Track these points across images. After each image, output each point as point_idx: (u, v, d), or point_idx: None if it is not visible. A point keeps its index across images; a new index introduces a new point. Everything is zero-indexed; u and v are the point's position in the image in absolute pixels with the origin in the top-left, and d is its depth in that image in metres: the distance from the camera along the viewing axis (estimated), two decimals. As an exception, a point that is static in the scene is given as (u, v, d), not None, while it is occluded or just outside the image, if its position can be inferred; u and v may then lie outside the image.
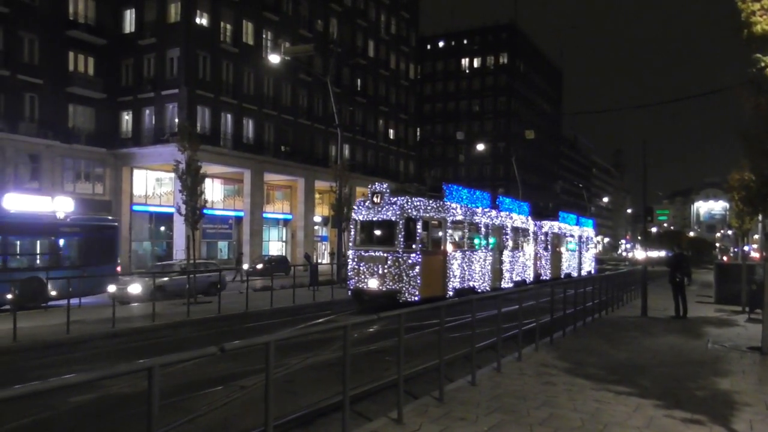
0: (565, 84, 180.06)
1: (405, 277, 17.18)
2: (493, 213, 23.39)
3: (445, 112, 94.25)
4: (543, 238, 29.45)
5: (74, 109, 36.29)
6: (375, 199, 18.14)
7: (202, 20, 37.95)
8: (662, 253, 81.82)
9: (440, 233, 19.19)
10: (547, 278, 28.96)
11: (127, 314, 15.44)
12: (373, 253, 17.78)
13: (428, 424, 6.30)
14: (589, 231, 40.33)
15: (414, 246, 17.57)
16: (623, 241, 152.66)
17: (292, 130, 44.95)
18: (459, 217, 20.42)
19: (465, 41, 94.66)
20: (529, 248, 26.73)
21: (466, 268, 20.47)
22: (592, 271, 38.80)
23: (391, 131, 58.54)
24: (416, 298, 17.15)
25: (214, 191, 40.70)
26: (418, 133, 71.31)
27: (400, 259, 17.25)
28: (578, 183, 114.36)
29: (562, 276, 31.58)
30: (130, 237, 38.24)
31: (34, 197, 32.59)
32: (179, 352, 5.15)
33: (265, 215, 43.30)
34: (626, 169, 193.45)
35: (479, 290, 21.08)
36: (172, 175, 26.76)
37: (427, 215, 18.32)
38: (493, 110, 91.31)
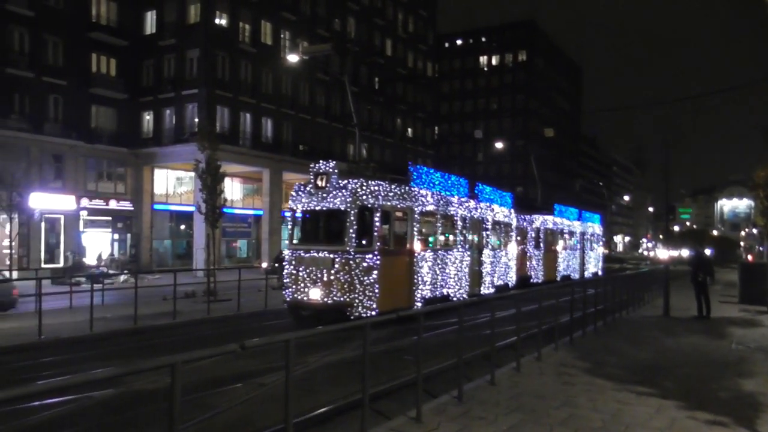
0: (585, 80, 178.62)
1: (358, 286, 13.29)
2: (472, 203, 19.23)
3: (462, 110, 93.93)
4: (533, 235, 25.94)
5: (97, 109, 36.79)
6: (319, 182, 14.20)
7: (221, 21, 38.24)
8: (684, 252, 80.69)
9: (406, 227, 15.31)
10: (539, 281, 25.81)
11: (149, 312, 15.61)
12: (315, 254, 13.76)
13: (447, 423, 6.29)
14: (594, 227, 36.47)
15: (370, 244, 13.73)
16: (644, 240, 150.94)
17: (310, 129, 45.11)
18: (430, 207, 16.28)
19: (483, 39, 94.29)
20: (512, 246, 22.83)
21: (438, 272, 16.47)
22: (599, 273, 35.58)
23: (409, 130, 58.49)
24: (373, 313, 13.38)
25: (233, 190, 41.00)
26: (436, 132, 71.16)
27: (351, 262, 13.30)
28: (598, 181, 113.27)
29: (559, 278, 28.10)
30: (151, 235, 38.71)
31: (58, 196, 33.22)
32: (200, 349, 5.21)
33: (284, 214, 43.52)
34: (648, 166, 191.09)
35: (454, 298, 17.27)
36: (193, 174, 26.99)
37: (389, 204, 14.36)
38: (511, 108, 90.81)
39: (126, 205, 37.63)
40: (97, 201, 35.77)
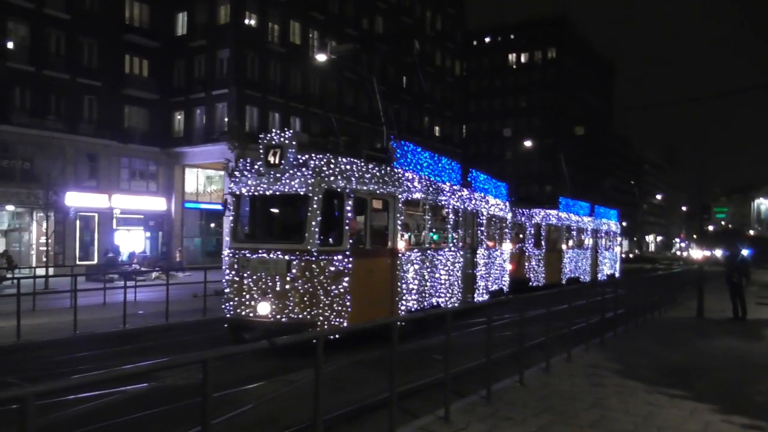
0: (617, 77, 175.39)
1: (323, 298, 10.10)
2: (465, 193, 15.82)
3: (491, 108, 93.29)
4: (533, 232, 23.36)
5: (129, 109, 37.52)
6: (271, 159, 10.74)
7: (251, 21, 38.62)
8: (718, 252, 78.83)
9: (386, 220, 11.89)
10: (539, 284, 23.04)
11: (180, 308, 15.87)
12: (266, 256, 10.32)
13: (475, 423, 6.27)
14: (610, 224, 32.87)
15: (340, 241, 10.50)
16: (677, 240, 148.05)
17: (338, 128, 45.29)
18: (417, 195, 12.85)
19: (512, 36, 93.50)
20: (507, 245, 19.47)
21: (427, 277, 13.12)
22: (616, 275, 32.41)
23: (437, 128, 58.34)
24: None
25: (262, 189, 41.36)
26: (464, 130, 70.80)
27: (314, 266, 10.05)
28: (629, 180, 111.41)
29: (564, 281, 25.11)
30: (182, 233, 39.35)
31: (92, 195, 33.97)
32: (231, 345, 5.29)
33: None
34: (681, 164, 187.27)
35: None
36: (222, 172, 27.31)
37: (365, 188, 11.05)
38: (540, 106, 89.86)
39: (158, 204, 38.31)
40: (129, 199, 36.48)
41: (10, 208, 30.86)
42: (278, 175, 10.59)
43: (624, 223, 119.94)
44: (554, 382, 8.14)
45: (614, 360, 9.78)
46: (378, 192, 11.50)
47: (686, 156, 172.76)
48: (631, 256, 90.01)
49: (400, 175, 12.26)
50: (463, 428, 6.07)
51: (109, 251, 31.03)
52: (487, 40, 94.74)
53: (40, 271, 24.96)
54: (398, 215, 11.91)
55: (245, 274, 10.48)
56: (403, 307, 12.10)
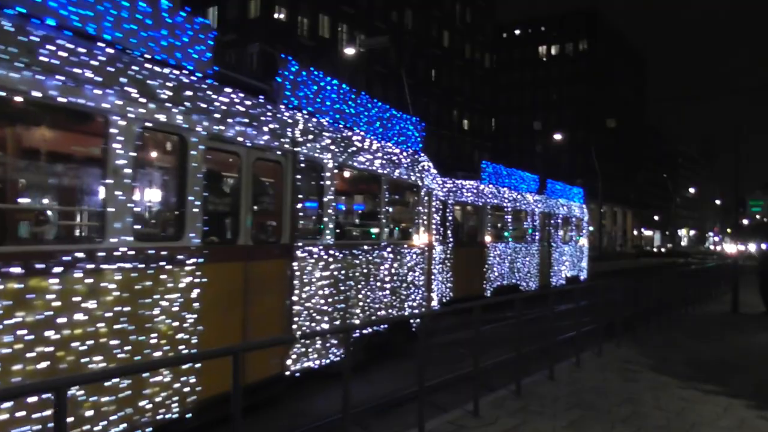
0: (651, 69, 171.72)
1: None
2: (287, 116, 7.26)
3: (521, 101, 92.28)
4: (438, 218, 13.34)
5: (161, 104, 38.18)
6: None
7: (281, 15, 38.89)
8: (752, 247, 77.02)
9: None
10: (443, 298, 13.78)
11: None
12: None
13: (505, 417, 6.25)
14: (571, 207, 23.30)
15: None
16: (711, 234, 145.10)
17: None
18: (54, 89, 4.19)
19: (543, 28, 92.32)
20: (423, 237, 10.80)
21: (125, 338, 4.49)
22: (582, 277, 23.71)
23: (466, 122, 58.05)
24: None
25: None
26: (493, 124, 70.24)
27: None
28: (662, 173, 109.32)
29: (489, 292, 16.40)
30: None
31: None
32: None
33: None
34: (716, 157, 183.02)
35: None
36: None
37: None
38: (571, 99, 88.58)
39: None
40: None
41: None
42: None
43: (656, 217, 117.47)
44: (585, 377, 8.07)
45: (647, 355, 9.64)
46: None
47: (721, 149, 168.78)
48: (663, 250, 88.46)
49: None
50: (493, 422, 6.06)
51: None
52: (518, 32, 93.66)
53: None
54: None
55: None
56: None
